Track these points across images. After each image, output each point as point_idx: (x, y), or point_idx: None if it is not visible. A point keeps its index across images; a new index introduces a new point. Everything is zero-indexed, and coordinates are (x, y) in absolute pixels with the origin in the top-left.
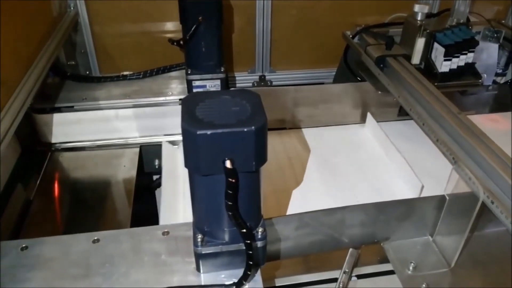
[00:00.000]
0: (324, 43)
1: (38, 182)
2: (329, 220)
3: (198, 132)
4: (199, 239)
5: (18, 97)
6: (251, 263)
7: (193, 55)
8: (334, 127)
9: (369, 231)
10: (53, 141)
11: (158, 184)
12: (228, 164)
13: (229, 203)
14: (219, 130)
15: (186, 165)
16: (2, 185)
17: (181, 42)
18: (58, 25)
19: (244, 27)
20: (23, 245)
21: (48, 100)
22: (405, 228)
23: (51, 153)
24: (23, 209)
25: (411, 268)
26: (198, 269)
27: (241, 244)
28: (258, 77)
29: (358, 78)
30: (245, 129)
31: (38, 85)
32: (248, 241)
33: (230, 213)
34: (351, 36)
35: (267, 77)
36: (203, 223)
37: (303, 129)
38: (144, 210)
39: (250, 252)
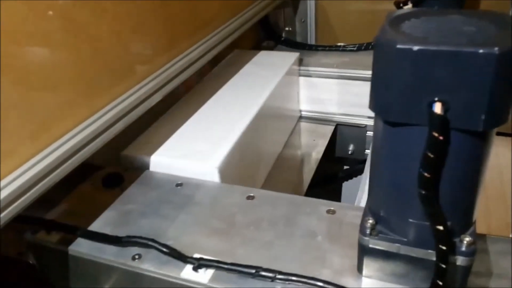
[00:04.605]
0: None
1: None
2: None
3: (398, 46)
4: (368, 225)
5: (216, 36)
6: (440, 283)
7: None
8: None
9: None
10: None
11: (346, 177)
12: (437, 108)
13: (426, 174)
14: (433, 47)
15: (370, 106)
16: None
17: (410, 4)
18: None
19: None
20: (179, 182)
21: None
22: None
23: None
24: None
25: None
26: (359, 269)
27: (430, 251)
28: None
29: None
30: (480, 51)
31: (239, 32)
32: (444, 247)
33: (423, 192)
34: None
35: None
36: (380, 203)
37: None
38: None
39: (444, 266)
